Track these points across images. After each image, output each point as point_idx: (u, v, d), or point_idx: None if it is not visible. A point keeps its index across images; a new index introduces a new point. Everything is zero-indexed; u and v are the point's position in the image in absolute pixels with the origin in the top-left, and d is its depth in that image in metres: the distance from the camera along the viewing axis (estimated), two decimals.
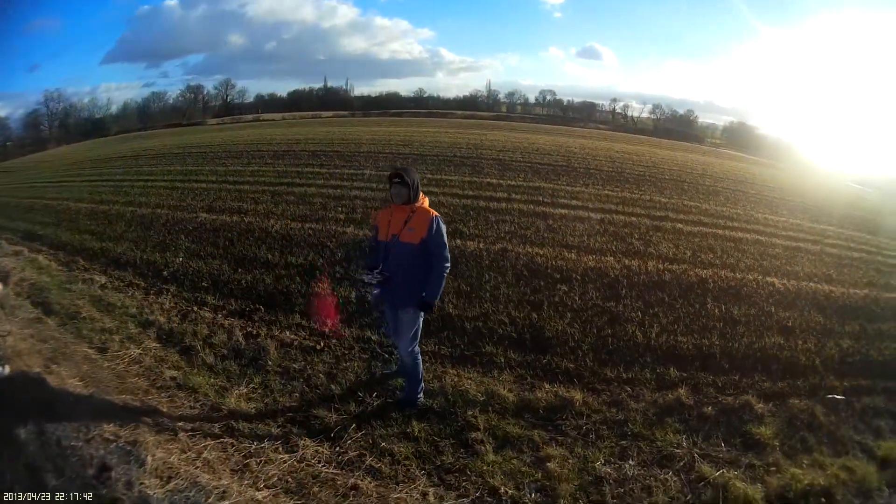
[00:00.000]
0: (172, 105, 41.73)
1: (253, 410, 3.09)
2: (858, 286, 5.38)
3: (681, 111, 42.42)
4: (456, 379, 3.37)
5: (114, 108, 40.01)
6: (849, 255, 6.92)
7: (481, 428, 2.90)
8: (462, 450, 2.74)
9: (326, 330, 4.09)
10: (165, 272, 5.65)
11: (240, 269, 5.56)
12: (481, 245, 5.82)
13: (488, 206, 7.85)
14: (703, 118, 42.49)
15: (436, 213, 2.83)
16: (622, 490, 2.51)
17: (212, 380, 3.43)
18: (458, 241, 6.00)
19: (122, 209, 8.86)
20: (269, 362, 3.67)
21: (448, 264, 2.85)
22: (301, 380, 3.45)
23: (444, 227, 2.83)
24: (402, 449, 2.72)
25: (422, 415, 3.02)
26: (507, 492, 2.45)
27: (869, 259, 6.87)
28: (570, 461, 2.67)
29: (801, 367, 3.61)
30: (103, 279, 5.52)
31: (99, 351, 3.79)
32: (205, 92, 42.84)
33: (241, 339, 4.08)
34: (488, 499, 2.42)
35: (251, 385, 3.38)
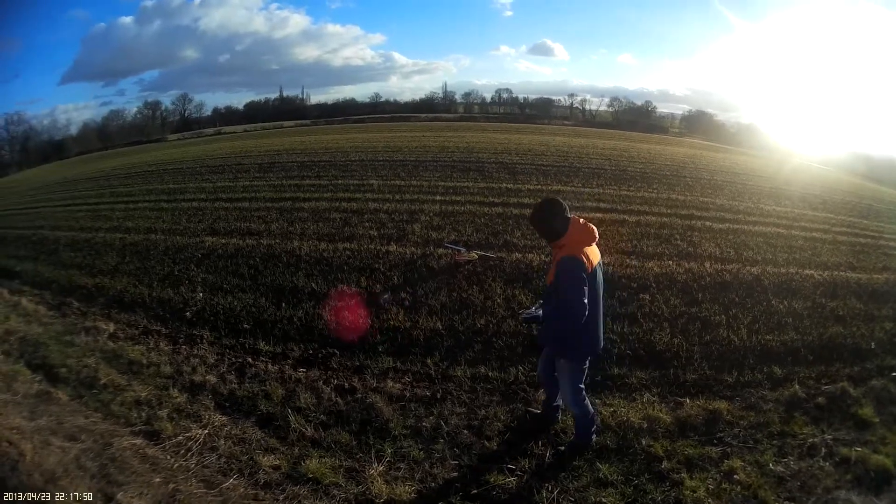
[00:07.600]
0: (131, 123, 43.39)
1: (413, 494, 2.83)
2: (877, 271, 6.68)
3: (638, 102, 47.24)
4: (611, 409, 3.55)
5: (73, 129, 42.54)
6: (858, 242, 8.45)
7: (663, 456, 3.16)
8: (661, 483, 2.97)
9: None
10: (188, 313, 5.07)
11: (283, 304, 5.14)
12: (545, 257, 5.91)
13: (523, 214, 7.96)
14: (661, 108, 47.69)
15: (573, 252, 2.67)
16: (799, 483, 2.99)
17: (330, 460, 3.05)
18: (518, 255, 6.09)
19: (109, 236, 7.86)
20: (391, 424, 3.40)
21: (567, 313, 2.63)
22: (443, 440, 3.26)
23: (573, 269, 2.63)
24: (608, 499, 2.83)
25: (600, 455, 3.15)
26: None
27: (875, 244, 8.46)
28: (749, 468, 3.08)
29: (863, 351, 4.54)
30: (111, 326, 4.80)
31: (149, 438, 3.22)
32: (162, 108, 45.09)
33: (334, 397, 3.72)
34: None
35: (385, 459, 3.07)
